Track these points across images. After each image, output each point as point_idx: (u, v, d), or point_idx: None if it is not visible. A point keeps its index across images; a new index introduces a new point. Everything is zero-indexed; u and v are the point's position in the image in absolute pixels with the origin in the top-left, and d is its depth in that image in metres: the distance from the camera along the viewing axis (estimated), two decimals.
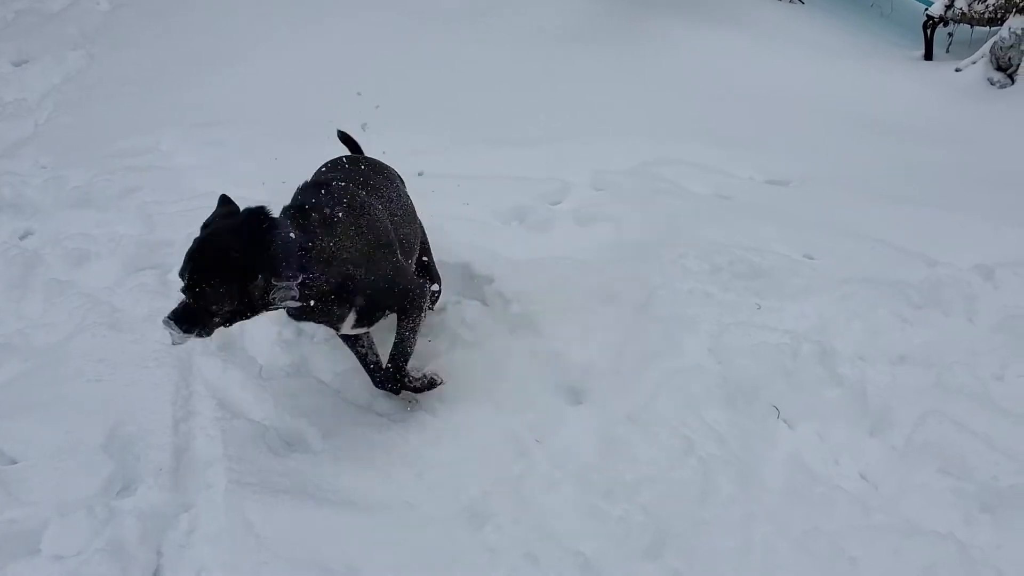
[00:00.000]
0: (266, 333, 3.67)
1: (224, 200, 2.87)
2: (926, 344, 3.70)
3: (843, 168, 5.56)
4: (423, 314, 3.17)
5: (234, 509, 2.87)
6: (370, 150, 4.90)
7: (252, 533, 2.79)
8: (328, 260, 2.81)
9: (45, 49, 7.12)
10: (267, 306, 2.78)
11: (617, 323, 3.69)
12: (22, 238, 4.58)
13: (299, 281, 2.74)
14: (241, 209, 2.79)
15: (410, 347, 3.16)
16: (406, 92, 6.20)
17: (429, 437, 3.15)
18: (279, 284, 2.71)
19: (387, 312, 3.07)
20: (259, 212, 2.73)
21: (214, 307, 2.71)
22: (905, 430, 3.26)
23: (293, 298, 2.77)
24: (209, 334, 2.80)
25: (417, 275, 3.43)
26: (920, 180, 5.43)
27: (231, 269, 2.65)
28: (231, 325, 2.83)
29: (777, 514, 2.91)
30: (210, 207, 2.93)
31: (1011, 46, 7.29)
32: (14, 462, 3.17)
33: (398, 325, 3.13)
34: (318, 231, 2.81)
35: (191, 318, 2.71)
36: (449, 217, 4.51)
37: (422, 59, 6.81)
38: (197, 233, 2.79)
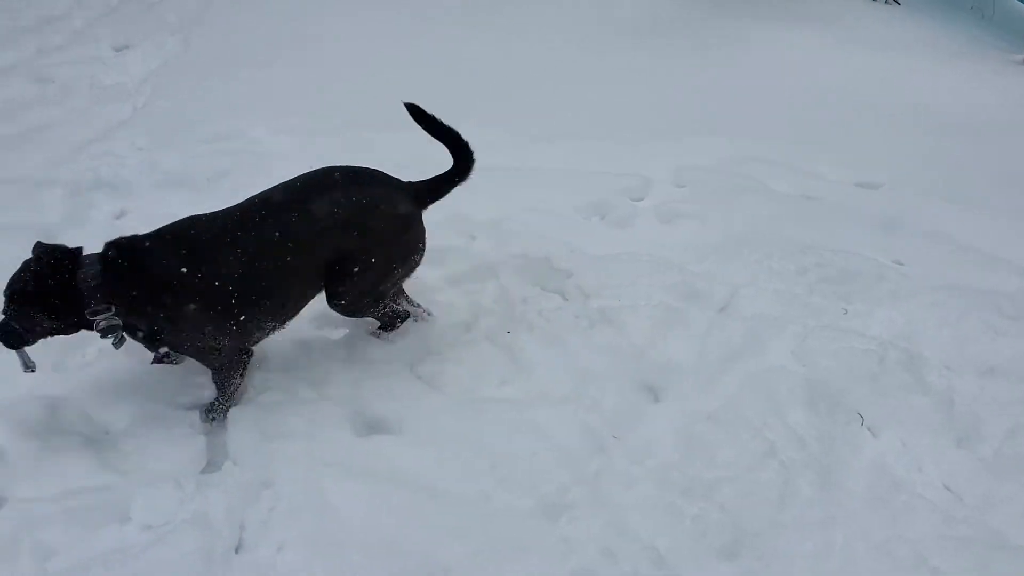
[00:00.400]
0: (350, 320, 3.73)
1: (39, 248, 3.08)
2: (1017, 356, 3.59)
3: (936, 172, 5.40)
4: (232, 380, 3.29)
5: (314, 488, 2.93)
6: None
7: (331, 512, 2.85)
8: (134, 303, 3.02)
9: (145, 35, 7.32)
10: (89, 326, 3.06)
11: (699, 321, 3.65)
12: (117, 217, 4.73)
13: (112, 312, 3.00)
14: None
15: (223, 398, 3.31)
16: (485, 84, 6.21)
17: (506, 429, 3.15)
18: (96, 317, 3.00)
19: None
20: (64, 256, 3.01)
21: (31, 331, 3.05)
22: (994, 443, 3.19)
23: (117, 326, 3.03)
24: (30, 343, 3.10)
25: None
26: (1018, 188, 5.25)
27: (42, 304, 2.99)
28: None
29: (857, 519, 2.87)
30: None
31: None
32: (107, 432, 3.29)
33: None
34: (125, 275, 3.00)
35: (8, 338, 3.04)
36: (528, 210, 4.53)
37: (504, 52, 6.81)
38: None
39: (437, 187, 3.41)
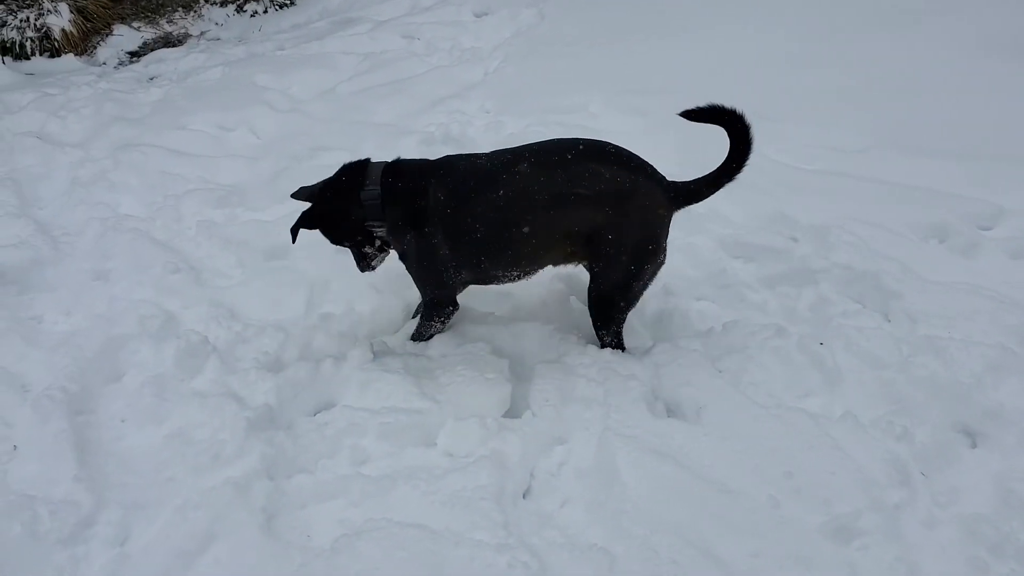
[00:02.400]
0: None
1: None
2: None
3: None
4: (432, 323, 3.65)
5: (606, 454, 3.03)
6: (779, 138, 4.79)
7: (618, 480, 2.92)
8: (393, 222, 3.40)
9: (503, 4, 7.78)
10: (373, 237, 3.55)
11: None
12: None
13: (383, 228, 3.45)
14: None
15: (418, 336, 3.72)
16: (827, 87, 5.92)
17: (804, 441, 3.04)
18: (374, 228, 3.47)
19: None
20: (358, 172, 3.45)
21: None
22: None
23: (381, 237, 3.51)
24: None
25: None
26: None
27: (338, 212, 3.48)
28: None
29: None
30: None
31: None
32: (429, 362, 3.59)
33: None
34: (397, 195, 3.37)
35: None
36: (856, 220, 4.32)
37: (851, 57, 6.45)
38: None
39: (698, 190, 3.29)
